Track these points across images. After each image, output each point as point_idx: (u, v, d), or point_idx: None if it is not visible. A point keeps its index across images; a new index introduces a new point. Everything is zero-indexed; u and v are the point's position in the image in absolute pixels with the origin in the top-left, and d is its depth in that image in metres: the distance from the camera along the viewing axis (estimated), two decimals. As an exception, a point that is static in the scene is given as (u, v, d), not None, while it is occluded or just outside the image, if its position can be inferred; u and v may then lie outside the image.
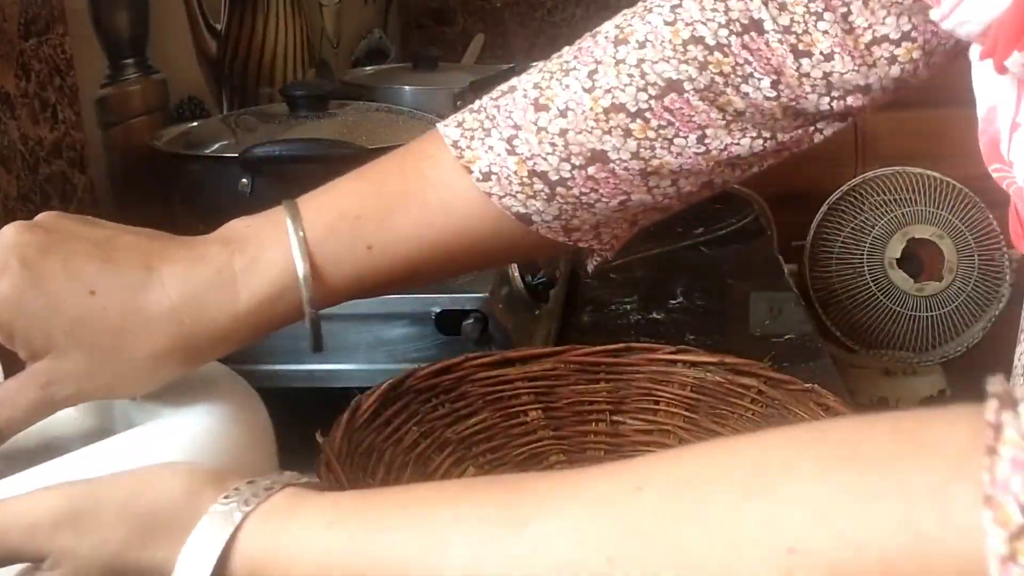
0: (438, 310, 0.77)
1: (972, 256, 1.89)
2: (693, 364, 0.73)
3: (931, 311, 1.88)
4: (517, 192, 0.53)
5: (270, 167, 0.75)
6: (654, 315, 1.06)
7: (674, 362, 0.73)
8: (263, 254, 0.50)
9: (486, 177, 0.53)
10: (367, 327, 0.78)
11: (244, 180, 0.75)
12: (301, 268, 0.49)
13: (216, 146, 0.82)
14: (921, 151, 1.99)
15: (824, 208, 1.94)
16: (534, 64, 0.58)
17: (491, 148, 0.53)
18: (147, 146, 0.85)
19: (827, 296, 1.95)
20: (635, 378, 0.74)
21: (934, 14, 0.41)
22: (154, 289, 0.46)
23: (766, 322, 1.05)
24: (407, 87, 1.19)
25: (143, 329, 0.45)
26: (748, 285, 1.16)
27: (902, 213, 1.91)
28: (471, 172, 0.53)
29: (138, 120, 0.90)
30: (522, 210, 0.54)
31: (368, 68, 1.42)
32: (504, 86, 0.57)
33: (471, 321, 0.76)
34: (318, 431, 0.61)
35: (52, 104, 0.76)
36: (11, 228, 0.47)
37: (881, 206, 1.93)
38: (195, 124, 0.90)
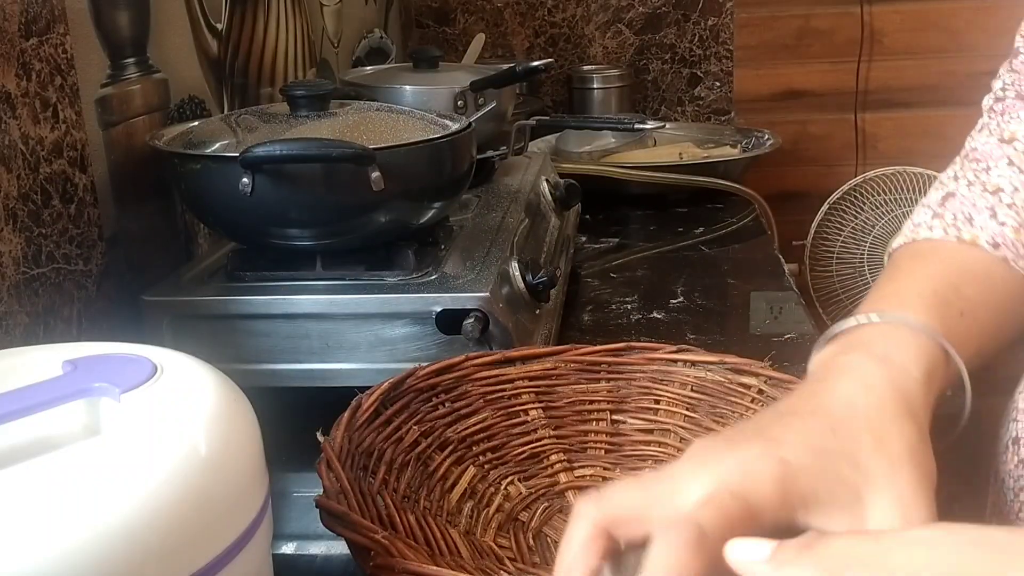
0: (439, 309, 0.77)
1: (972, 256, 1.89)
2: (694, 363, 0.73)
3: (931, 311, 1.88)
4: None
5: (270, 166, 0.75)
6: (654, 314, 1.06)
7: (674, 361, 0.73)
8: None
9: (995, 247, 0.61)
10: (367, 326, 0.78)
11: (244, 180, 0.75)
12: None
13: (217, 145, 0.82)
14: (921, 151, 1.99)
15: (824, 208, 1.94)
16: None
17: (983, 227, 0.62)
18: (148, 145, 0.85)
19: (827, 296, 1.95)
20: (636, 377, 0.74)
21: None
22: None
23: (766, 322, 1.05)
24: (408, 87, 1.19)
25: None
26: (748, 285, 1.16)
27: (902, 213, 1.91)
28: (980, 245, 0.61)
29: (139, 119, 0.90)
30: None
31: (369, 68, 1.41)
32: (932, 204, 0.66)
33: (471, 320, 0.76)
34: (318, 430, 0.61)
35: (53, 103, 0.76)
36: None
37: (881, 206, 1.93)
38: (196, 123, 0.90)
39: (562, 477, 0.71)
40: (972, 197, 0.64)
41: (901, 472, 0.43)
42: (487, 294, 0.77)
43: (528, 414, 0.72)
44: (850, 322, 0.53)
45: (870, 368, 0.48)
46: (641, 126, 1.34)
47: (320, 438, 0.60)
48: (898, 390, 0.47)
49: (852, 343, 0.51)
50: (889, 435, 0.44)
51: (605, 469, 0.72)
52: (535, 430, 0.72)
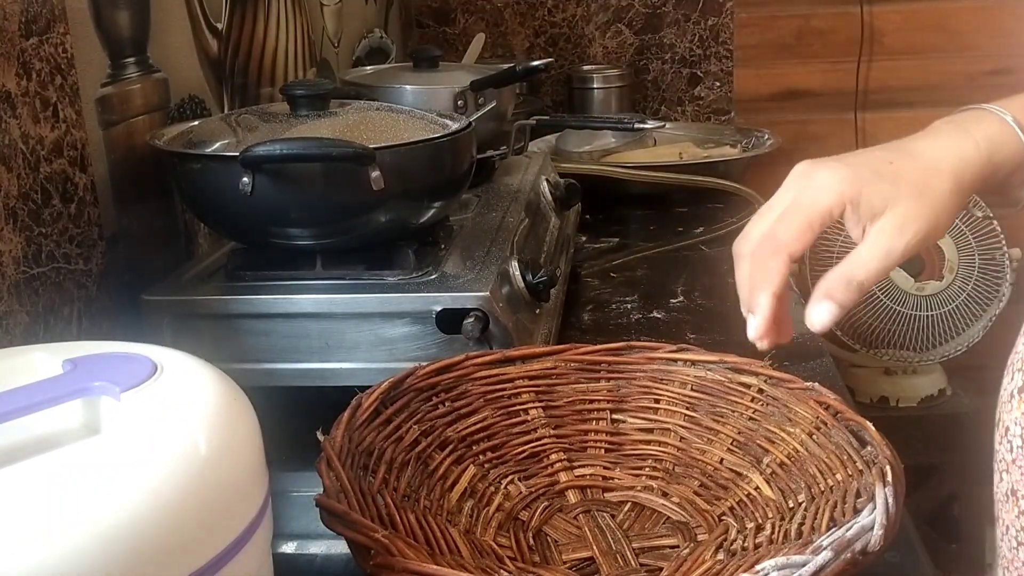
0: (439, 308, 0.77)
1: (972, 256, 1.89)
2: (694, 363, 0.73)
3: (931, 310, 1.88)
4: None
5: (270, 166, 0.75)
6: (654, 314, 1.06)
7: (675, 361, 0.73)
8: (981, 124, 0.67)
9: None
10: (368, 325, 0.78)
11: (245, 179, 0.75)
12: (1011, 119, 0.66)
13: (217, 145, 0.82)
14: (921, 151, 1.99)
15: (824, 208, 1.93)
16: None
17: None
18: (148, 145, 0.85)
19: (827, 296, 1.94)
20: (636, 377, 0.74)
21: None
22: (926, 149, 0.65)
23: (766, 321, 1.05)
24: (408, 86, 1.19)
25: (935, 173, 0.63)
26: (748, 284, 1.16)
27: (902, 213, 1.91)
28: None
29: (139, 119, 0.90)
30: None
31: (369, 67, 1.41)
32: None
33: (471, 320, 0.76)
34: (318, 429, 0.61)
35: (53, 103, 0.76)
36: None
37: (881, 206, 1.93)
38: (196, 123, 0.90)
39: (562, 476, 0.71)
40: None
41: (917, 201, 0.62)
42: (487, 294, 0.77)
43: (528, 413, 0.72)
44: (965, 108, 0.69)
45: (946, 132, 0.66)
46: (641, 126, 1.34)
47: (320, 437, 0.60)
48: (957, 152, 0.65)
49: (952, 118, 0.68)
50: (929, 181, 0.63)
51: (605, 468, 0.72)
52: (535, 429, 0.72)
